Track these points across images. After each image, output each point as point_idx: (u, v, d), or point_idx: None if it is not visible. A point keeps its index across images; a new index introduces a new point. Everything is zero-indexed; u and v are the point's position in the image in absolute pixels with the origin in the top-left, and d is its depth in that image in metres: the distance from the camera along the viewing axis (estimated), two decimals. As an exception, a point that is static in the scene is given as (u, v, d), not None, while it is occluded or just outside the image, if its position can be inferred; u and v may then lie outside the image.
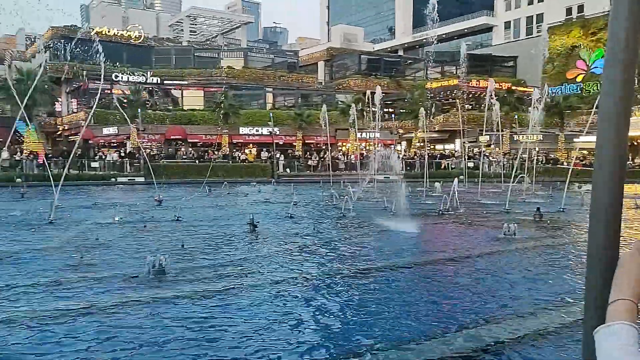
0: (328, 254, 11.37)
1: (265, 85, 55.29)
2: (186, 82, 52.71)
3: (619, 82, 1.41)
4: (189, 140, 47.60)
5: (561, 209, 18.93)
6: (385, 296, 7.84)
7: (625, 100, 1.39)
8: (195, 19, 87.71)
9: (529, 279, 8.97)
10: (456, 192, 20.14)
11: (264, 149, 47.86)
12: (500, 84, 52.23)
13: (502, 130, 49.52)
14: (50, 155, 39.91)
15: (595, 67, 52.98)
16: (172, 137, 47.20)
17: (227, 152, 45.27)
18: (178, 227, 15.17)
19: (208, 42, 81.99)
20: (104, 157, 41.78)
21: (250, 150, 48.54)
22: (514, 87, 52.04)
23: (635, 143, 43.28)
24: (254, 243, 12.37)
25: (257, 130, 48.90)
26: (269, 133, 47.35)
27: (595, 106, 49.71)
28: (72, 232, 13.82)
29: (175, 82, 52.37)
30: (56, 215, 16.02)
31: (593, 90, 52.17)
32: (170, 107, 51.61)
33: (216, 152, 45.81)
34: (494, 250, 11.57)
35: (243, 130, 48.05)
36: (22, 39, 70.32)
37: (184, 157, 43.66)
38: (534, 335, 6.05)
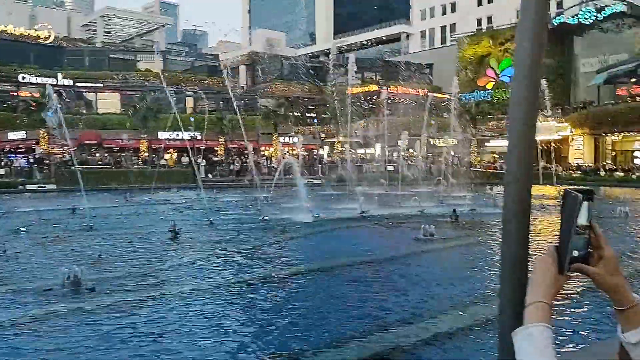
0: (248, 260, 11.29)
1: (185, 88, 54.05)
2: (101, 85, 50.50)
3: (525, 96, 1.51)
4: (105, 146, 45.60)
5: (475, 210, 19.89)
6: (301, 303, 7.84)
7: (532, 111, 1.49)
8: (109, 19, 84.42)
9: (446, 279, 9.36)
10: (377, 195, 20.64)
11: (185, 154, 46.71)
12: (418, 90, 54.14)
13: (419, 135, 51.39)
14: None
15: (504, 76, 56.09)
16: (86, 142, 45.01)
17: (146, 158, 43.81)
18: (94, 236, 14.50)
19: (124, 44, 79.10)
20: (9, 163, 39.15)
21: (171, 155, 47.20)
22: (430, 93, 54.09)
23: (546, 147, 46.29)
24: (175, 251, 12.06)
25: (177, 135, 47.64)
26: (189, 138, 46.28)
27: (504, 112, 52.70)
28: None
29: (89, 84, 50.03)
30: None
31: (502, 97, 55.20)
32: (84, 111, 49.24)
33: (134, 158, 44.21)
34: (413, 251, 11.97)
35: (162, 135, 46.66)
36: None
37: (99, 162, 41.78)
38: (446, 335, 6.30)
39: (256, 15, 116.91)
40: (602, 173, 40.33)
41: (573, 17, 48.25)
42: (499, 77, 56.54)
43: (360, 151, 55.82)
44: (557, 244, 1.19)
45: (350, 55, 64.32)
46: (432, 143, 52.25)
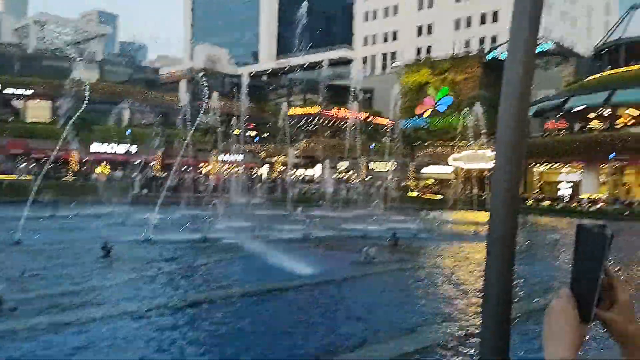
0: (185, 280, 10.90)
1: (122, 100, 52.47)
2: (31, 92, 48.12)
3: (515, 118, 1.47)
4: (33, 156, 43.28)
5: (414, 234, 20.21)
6: (227, 329, 7.55)
7: (521, 132, 1.46)
8: (44, 25, 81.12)
9: (387, 303, 9.36)
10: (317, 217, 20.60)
11: (120, 168, 45.13)
12: (359, 114, 55.07)
13: (359, 158, 52.14)
14: None
15: (440, 105, 58.08)
16: (12, 151, 42.59)
17: (77, 170, 41.93)
18: (20, 251, 13.58)
19: (59, 51, 76.14)
20: None
21: (103, 169, 45.43)
22: (370, 118, 55.17)
23: (479, 174, 48.04)
24: (108, 269, 11.47)
25: (111, 148, 46.01)
26: (125, 151, 44.83)
27: (440, 139, 54.39)
28: None
29: (17, 91, 47.56)
30: None
31: (438, 125, 57.03)
32: (11, 119, 46.68)
33: (64, 170, 42.21)
34: (354, 275, 11.95)
35: (96, 146, 44.93)
36: None
37: (26, 173, 39.53)
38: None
39: (199, 31, 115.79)
40: (530, 202, 42.23)
41: (505, 52, 50.78)
42: (436, 106, 58.43)
43: (301, 172, 55.92)
44: (574, 288, 1.02)
45: (293, 77, 64.89)
46: (370, 167, 53.11)
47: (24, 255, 12.91)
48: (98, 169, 45.18)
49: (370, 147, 50.19)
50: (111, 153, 46.13)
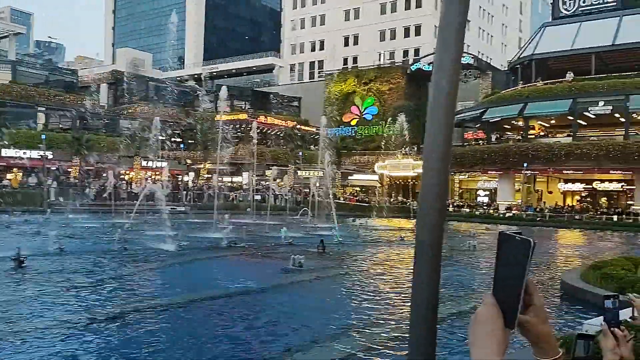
0: (102, 292, 10.43)
1: (36, 103, 49.61)
2: None
3: (442, 127, 1.50)
4: None
5: (340, 241, 20.44)
6: (151, 342, 7.30)
7: (448, 141, 1.49)
8: (-52, 20, 75.49)
9: (315, 309, 9.39)
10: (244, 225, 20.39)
11: (33, 174, 42.55)
12: (286, 122, 55.19)
13: (287, 165, 52.21)
14: None
15: (366, 114, 59.32)
16: None
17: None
18: None
19: (-35, 49, 71.11)
20: None
21: (15, 175, 42.64)
22: (298, 126, 55.41)
23: (403, 182, 49.35)
24: (21, 282, 10.76)
25: (24, 153, 43.31)
26: (39, 157, 42.36)
27: (366, 148, 55.48)
28: None
29: None
30: None
31: (365, 133, 58.17)
32: None
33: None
34: (283, 282, 11.90)
35: (6, 152, 42.15)
36: None
37: None
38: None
39: (121, 33, 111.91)
40: (450, 209, 43.94)
41: (429, 64, 52.78)
42: (362, 115, 59.59)
43: (228, 179, 55.18)
44: (497, 294, 1.04)
45: (220, 83, 64.02)
46: (298, 174, 53.29)
47: None
48: (9, 176, 42.37)
49: (299, 154, 50.37)
50: (24, 158, 43.40)
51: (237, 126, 52.59)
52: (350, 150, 54.70)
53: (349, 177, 54.62)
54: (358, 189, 54.26)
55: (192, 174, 55.82)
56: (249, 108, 56.76)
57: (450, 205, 44.85)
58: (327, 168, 38.76)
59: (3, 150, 41.52)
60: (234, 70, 77.38)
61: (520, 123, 44.48)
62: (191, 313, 9.02)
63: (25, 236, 20.19)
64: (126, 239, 17.03)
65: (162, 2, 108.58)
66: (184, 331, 7.74)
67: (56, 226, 22.01)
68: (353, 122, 59.57)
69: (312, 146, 55.09)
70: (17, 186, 39.98)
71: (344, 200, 46.65)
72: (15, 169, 43.37)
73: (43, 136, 43.20)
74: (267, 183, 52.70)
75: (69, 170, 45.53)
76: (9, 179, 41.45)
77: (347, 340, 7.33)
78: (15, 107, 47.62)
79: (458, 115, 47.42)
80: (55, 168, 44.41)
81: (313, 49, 78.07)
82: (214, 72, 76.78)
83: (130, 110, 52.79)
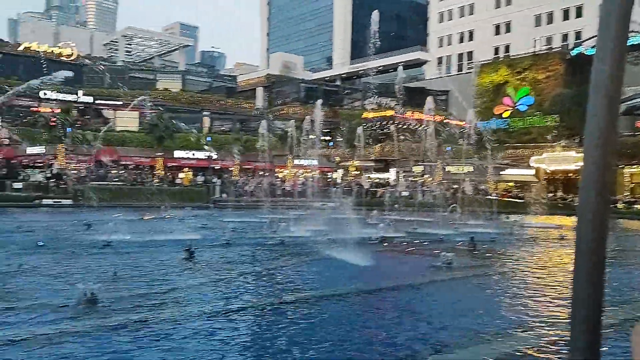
0: (266, 283, 11.16)
1: (202, 109, 54.62)
2: (120, 103, 51.17)
3: (605, 117, 1.41)
4: (122, 163, 46.00)
5: (492, 239, 19.60)
6: (329, 327, 7.71)
7: (612, 132, 1.40)
8: (131, 39, 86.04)
9: (467, 310, 9.13)
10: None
11: (200, 174, 46.98)
12: (434, 117, 54.15)
13: (435, 161, 51.20)
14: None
15: (520, 104, 56.00)
16: (103, 158, 45.41)
17: (162, 176, 44.03)
18: (110, 253, 14.46)
19: (144, 63, 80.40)
20: (27, 177, 39.50)
21: (186, 174, 47.44)
22: (447, 120, 54.07)
23: (563, 177, 45.87)
24: (190, 271, 11.95)
25: (193, 154, 47.98)
26: (205, 157, 46.59)
27: (520, 141, 52.43)
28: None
29: (108, 102, 50.73)
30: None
31: (518, 125, 54.99)
32: (102, 128, 49.81)
33: (150, 176, 44.48)
34: (432, 280, 11.75)
35: (178, 153, 47.02)
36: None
37: (116, 179, 42.04)
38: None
39: (275, 39, 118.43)
40: (620, 205, 39.72)
41: (592, 47, 48.19)
42: (515, 106, 56.40)
43: (375, 176, 55.70)
44: None
45: (367, 81, 64.82)
46: (447, 170, 52.02)
47: (114, 257, 13.73)
48: (181, 175, 47.25)
49: (447, 149, 49.15)
50: (193, 159, 48.09)
51: (384, 123, 52.85)
52: (502, 144, 51.95)
53: (502, 172, 51.98)
54: (512, 184, 51.40)
55: (340, 171, 57.29)
56: (395, 104, 56.67)
57: (620, 202, 40.59)
58: (477, 163, 37.37)
59: (175, 151, 46.30)
60: (380, 67, 77.77)
61: None
62: (341, 306, 9.29)
63: (195, 229, 22.35)
64: (282, 233, 18.00)
65: (312, 5, 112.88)
66: (335, 322, 8.01)
67: (220, 221, 24.05)
68: (505, 114, 56.67)
69: (461, 140, 53.41)
70: (187, 184, 44.36)
71: (496, 196, 44.49)
72: (186, 169, 48.22)
73: (208, 138, 47.44)
74: (414, 179, 52.23)
75: (231, 168, 49.39)
76: (181, 178, 46.19)
77: (500, 342, 7.04)
78: (185, 113, 52.85)
79: (627, 102, 42.71)
80: (218, 167, 48.52)
81: (461, 40, 75.59)
82: (361, 70, 77.90)
83: (282, 111, 55.67)
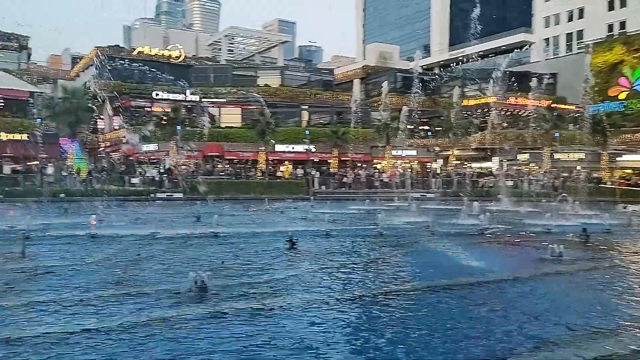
0: (366, 274, 11.23)
1: (300, 103, 55.67)
2: (224, 100, 53.51)
3: None
4: (226, 157, 48.16)
5: (607, 230, 18.31)
6: (432, 319, 7.65)
7: None
8: (233, 38, 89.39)
9: (579, 305, 8.65)
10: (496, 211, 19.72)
11: (299, 166, 48.05)
12: (540, 102, 51.29)
13: (542, 149, 48.54)
14: (92, 171, 40.98)
15: (638, 85, 51.54)
16: (209, 154, 47.87)
17: (264, 169, 45.58)
18: (218, 243, 15.28)
19: (245, 61, 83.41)
20: (143, 173, 42.61)
21: (287, 167, 48.77)
22: (554, 105, 50.99)
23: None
24: (293, 261, 12.33)
25: (292, 148, 49.15)
26: (304, 150, 47.55)
27: (638, 124, 48.29)
28: (114, 247, 14.06)
29: (213, 99, 53.23)
30: (98, 230, 16.34)
31: (636, 108, 50.69)
32: (208, 125, 52.40)
33: (253, 169, 46.22)
34: (541, 272, 11.21)
35: (279, 147, 48.37)
36: (68, 59, 72.84)
37: (221, 173, 44.15)
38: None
39: (371, 30, 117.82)
40: None
41: None
42: (633, 87, 52.01)
43: (476, 165, 53.88)
44: None
45: (467, 68, 62.72)
46: (555, 157, 49.13)
47: (222, 247, 14.49)
48: (282, 168, 48.62)
49: (555, 135, 46.38)
50: (293, 152, 49.28)
51: (485, 110, 50.89)
52: (618, 128, 48.07)
53: (618, 159, 48.19)
54: (630, 171, 47.46)
55: (440, 161, 56.03)
56: (498, 90, 54.32)
57: None
58: (589, 149, 34.85)
59: (277, 145, 47.65)
60: (481, 53, 74.78)
61: None
62: (443, 298, 9.15)
63: (296, 220, 22.98)
64: (381, 224, 17.98)
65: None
66: (438, 315, 7.92)
67: (319, 212, 24.49)
68: (621, 96, 52.42)
69: (570, 126, 50.16)
70: (288, 177, 45.57)
71: (612, 184, 41.34)
72: (286, 162, 49.54)
73: (307, 132, 48.34)
74: (519, 168, 49.90)
75: (329, 161, 50.01)
76: (282, 171, 47.53)
77: (612, 340, 6.61)
78: (284, 107, 54.18)
79: None
80: (317, 160, 49.35)
81: (570, 19, 70.72)
82: (460, 56, 75.41)
83: (379, 102, 55.29)
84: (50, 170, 38.83)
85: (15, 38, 48.29)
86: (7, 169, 38.54)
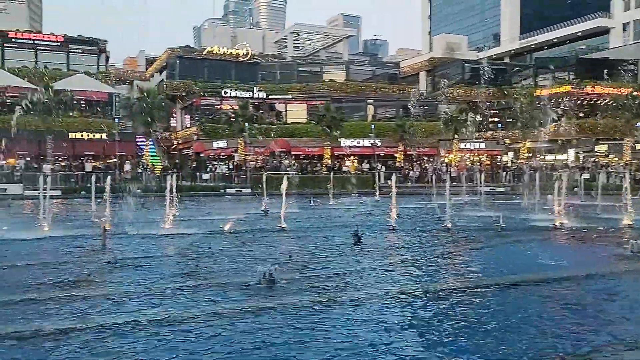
0: (432, 268, 11.10)
1: (366, 97, 55.49)
2: (290, 97, 54.20)
3: None
4: (293, 153, 48.82)
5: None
6: (500, 317, 7.46)
7: None
8: (298, 35, 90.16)
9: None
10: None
11: (365, 161, 47.96)
12: (620, 90, 48.52)
13: (622, 139, 45.96)
14: (166, 168, 42.75)
15: None
16: (276, 149, 48.71)
17: (330, 164, 45.85)
18: (285, 237, 15.58)
19: (311, 57, 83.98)
20: (213, 169, 43.99)
21: (352, 162, 48.80)
22: (635, 92, 48.06)
23: None
24: (359, 255, 12.37)
25: (358, 142, 49.12)
26: (370, 145, 47.42)
27: None
28: (187, 241, 14.65)
29: (279, 96, 54.05)
30: (174, 224, 17.08)
31: None
32: (275, 121, 53.29)
33: (319, 164, 46.61)
34: (615, 270, 10.67)
35: (344, 142, 48.47)
36: (143, 60, 76.14)
37: (288, 169, 44.83)
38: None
39: (437, 20, 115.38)
40: None
41: None
42: None
43: (550, 157, 51.74)
44: None
45: (540, 56, 60.24)
46: (638, 148, 46.36)
47: (289, 241, 14.76)
48: (348, 163, 48.72)
49: (637, 125, 43.77)
50: (358, 147, 49.26)
51: (560, 100, 48.70)
52: None
53: None
54: None
55: (511, 154, 54.26)
56: (573, 79, 51.81)
57: None
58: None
59: (342, 140, 47.76)
60: (554, 40, 71.52)
61: None
62: (514, 295, 8.91)
63: (362, 215, 23.00)
64: (448, 219, 17.68)
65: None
66: (512, 311, 7.73)
67: (385, 206, 24.36)
68: None
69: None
70: (354, 171, 45.61)
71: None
72: (352, 157, 49.59)
73: (372, 126, 48.17)
74: (597, 160, 47.52)
75: (395, 155, 49.61)
76: (347, 166, 47.63)
77: None
78: (349, 102, 54.20)
79: None
80: (383, 154, 49.06)
81: (653, 1, 66.28)
82: (532, 45, 72.50)
83: (447, 95, 54.19)
84: (127, 167, 40.88)
85: (94, 42, 51.02)
86: (88, 167, 40.95)
